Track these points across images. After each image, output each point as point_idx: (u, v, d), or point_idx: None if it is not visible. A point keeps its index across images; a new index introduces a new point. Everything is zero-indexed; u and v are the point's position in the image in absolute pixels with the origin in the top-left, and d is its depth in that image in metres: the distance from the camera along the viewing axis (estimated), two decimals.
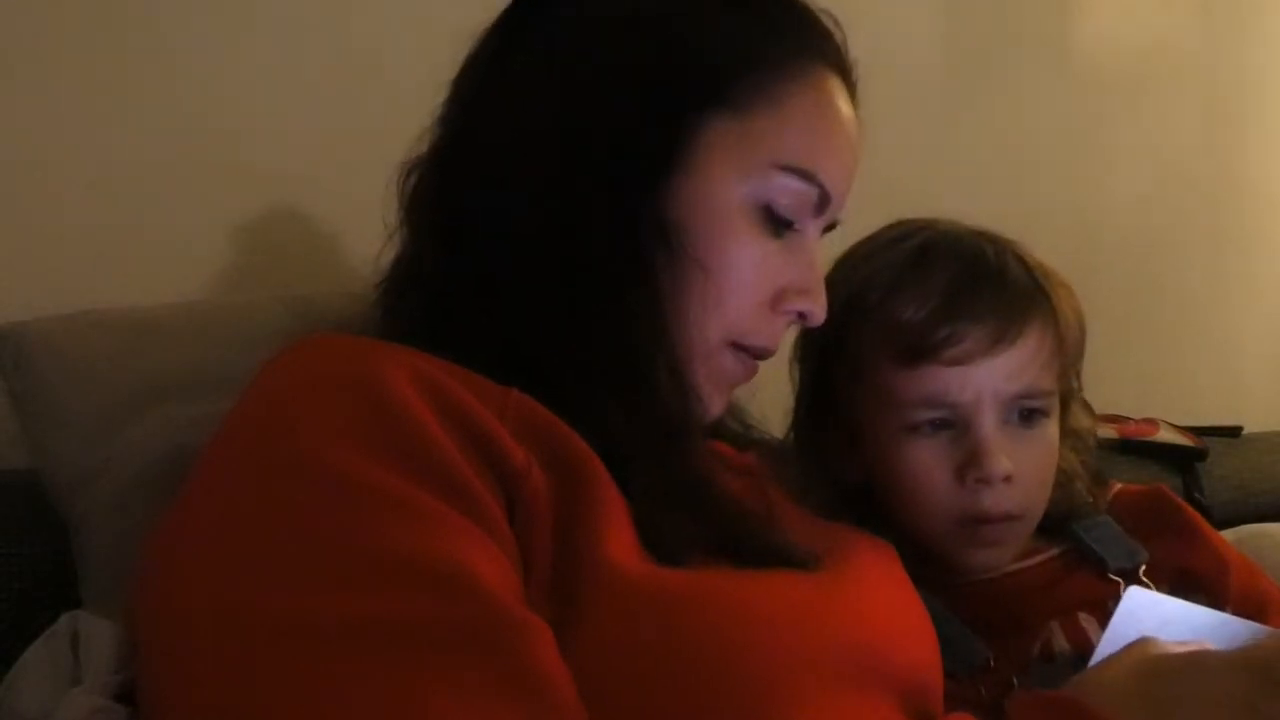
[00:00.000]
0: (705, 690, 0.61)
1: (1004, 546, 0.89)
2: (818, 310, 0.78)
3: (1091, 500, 0.94)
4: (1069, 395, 0.93)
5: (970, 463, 0.85)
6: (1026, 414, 0.87)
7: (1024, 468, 0.86)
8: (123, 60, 1.08)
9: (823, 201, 0.77)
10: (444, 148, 0.79)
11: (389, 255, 0.80)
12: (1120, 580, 0.87)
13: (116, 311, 0.94)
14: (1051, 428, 0.90)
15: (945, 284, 0.86)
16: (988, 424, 0.85)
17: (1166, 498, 0.97)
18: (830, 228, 0.81)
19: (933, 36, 1.68)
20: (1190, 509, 0.96)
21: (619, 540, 0.64)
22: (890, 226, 0.94)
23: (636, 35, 0.75)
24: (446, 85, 0.79)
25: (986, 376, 0.85)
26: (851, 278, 0.90)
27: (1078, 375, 0.94)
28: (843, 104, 0.79)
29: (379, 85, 1.17)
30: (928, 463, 0.87)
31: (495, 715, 0.54)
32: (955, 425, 0.86)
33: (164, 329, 0.93)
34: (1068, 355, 0.90)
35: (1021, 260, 0.89)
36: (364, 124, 1.16)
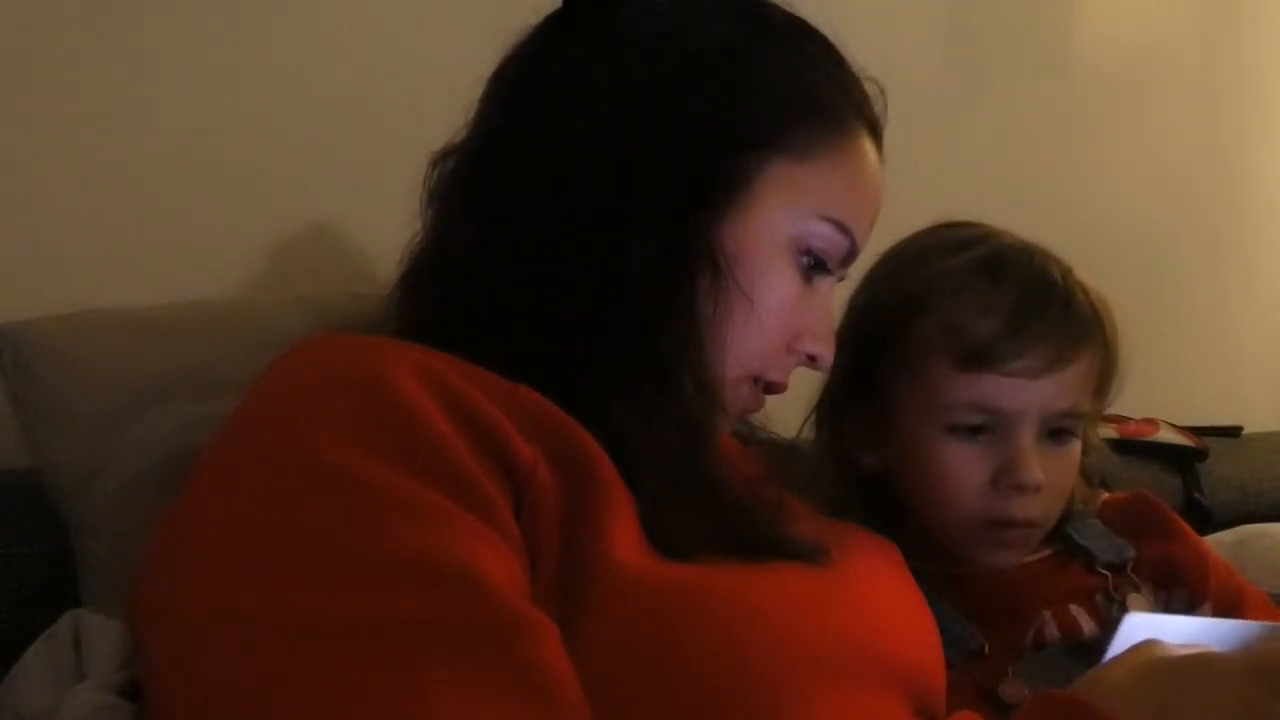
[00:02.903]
0: (709, 687, 0.61)
1: (1018, 550, 0.93)
2: (828, 355, 0.81)
3: (1084, 506, 0.99)
4: (1092, 416, 0.97)
5: (1007, 469, 0.89)
6: (1058, 431, 0.91)
7: (1050, 480, 0.90)
8: (126, 60, 1.08)
9: (850, 253, 0.80)
10: (476, 145, 0.79)
11: (409, 250, 0.80)
12: (1108, 574, 0.92)
13: (117, 311, 0.94)
14: (1077, 446, 0.94)
15: (1016, 299, 0.89)
16: (1028, 436, 0.89)
17: (1149, 500, 1.01)
18: (840, 279, 0.84)
19: (933, 39, 1.68)
20: (1171, 511, 1.00)
21: (625, 537, 0.64)
22: (942, 228, 0.97)
23: (707, 69, 0.76)
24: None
25: (1037, 393, 0.89)
26: (914, 275, 0.94)
27: (1106, 401, 0.98)
28: (875, 163, 0.82)
29: (387, 87, 1.17)
30: (964, 463, 0.90)
31: (500, 714, 0.54)
32: (995, 432, 0.90)
33: (165, 329, 0.92)
34: (1107, 382, 0.95)
35: (1082, 287, 0.93)
36: (371, 125, 1.16)
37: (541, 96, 0.77)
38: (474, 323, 0.73)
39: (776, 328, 0.77)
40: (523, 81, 0.79)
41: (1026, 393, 0.88)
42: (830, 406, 0.99)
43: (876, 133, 0.83)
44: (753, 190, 0.76)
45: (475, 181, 0.78)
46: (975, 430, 0.90)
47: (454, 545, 0.58)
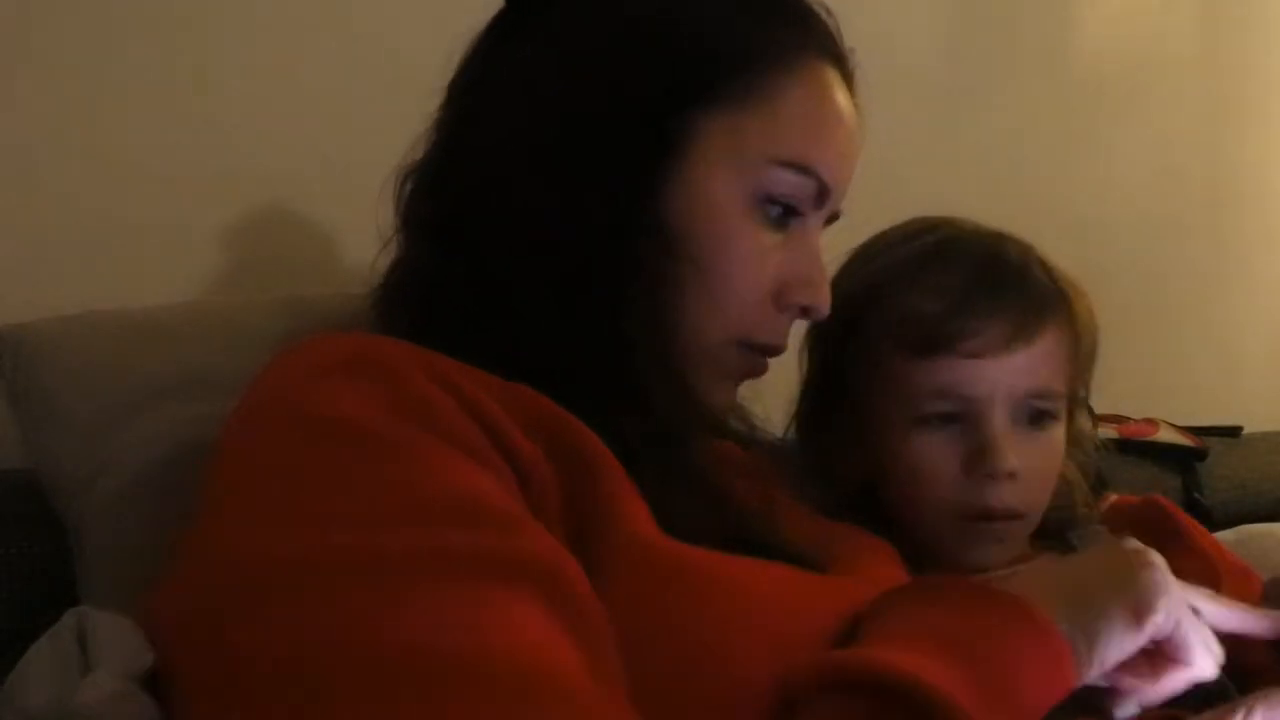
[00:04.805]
0: (711, 658, 0.60)
1: (1002, 544, 0.89)
2: (821, 303, 0.78)
3: (1087, 510, 0.95)
4: (1076, 402, 0.93)
5: (978, 457, 0.85)
6: (1036, 415, 0.88)
7: (1029, 467, 0.87)
8: (123, 61, 1.08)
9: (821, 193, 0.77)
10: (438, 151, 0.79)
11: (385, 260, 0.80)
12: None
13: (116, 312, 0.94)
14: (1059, 431, 0.90)
15: (965, 278, 0.86)
16: (998, 420, 0.86)
17: (1160, 507, 0.97)
18: (832, 219, 0.81)
19: (934, 37, 1.68)
20: (1184, 517, 0.96)
21: (639, 517, 0.64)
22: (907, 223, 0.94)
23: (626, 36, 0.75)
24: (440, 86, 0.79)
25: (1000, 373, 0.85)
26: (867, 269, 0.91)
27: (1087, 383, 0.94)
28: (839, 94, 0.78)
29: (378, 86, 1.17)
30: (935, 454, 0.87)
31: (550, 637, 0.53)
32: (964, 419, 0.86)
33: (164, 329, 0.92)
34: (1080, 361, 0.91)
35: (1042, 264, 0.90)
36: (363, 125, 1.16)
37: (490, 95, 0.76)
38: (459, 329, 0.72)
39: (746, 288, 0.75)
40: (476, 84, 0.78)
41: (989, 373, 0.85)
42: (806, 419, 0.96)
43: (837, 59, 0.79)
44: (687, 151, 0.73)
45: (439, 189, 0.77)
46: (946, 420, 0.86)
47: (489, 489, 0.58)
